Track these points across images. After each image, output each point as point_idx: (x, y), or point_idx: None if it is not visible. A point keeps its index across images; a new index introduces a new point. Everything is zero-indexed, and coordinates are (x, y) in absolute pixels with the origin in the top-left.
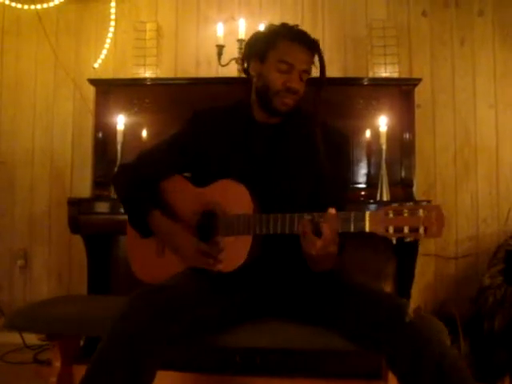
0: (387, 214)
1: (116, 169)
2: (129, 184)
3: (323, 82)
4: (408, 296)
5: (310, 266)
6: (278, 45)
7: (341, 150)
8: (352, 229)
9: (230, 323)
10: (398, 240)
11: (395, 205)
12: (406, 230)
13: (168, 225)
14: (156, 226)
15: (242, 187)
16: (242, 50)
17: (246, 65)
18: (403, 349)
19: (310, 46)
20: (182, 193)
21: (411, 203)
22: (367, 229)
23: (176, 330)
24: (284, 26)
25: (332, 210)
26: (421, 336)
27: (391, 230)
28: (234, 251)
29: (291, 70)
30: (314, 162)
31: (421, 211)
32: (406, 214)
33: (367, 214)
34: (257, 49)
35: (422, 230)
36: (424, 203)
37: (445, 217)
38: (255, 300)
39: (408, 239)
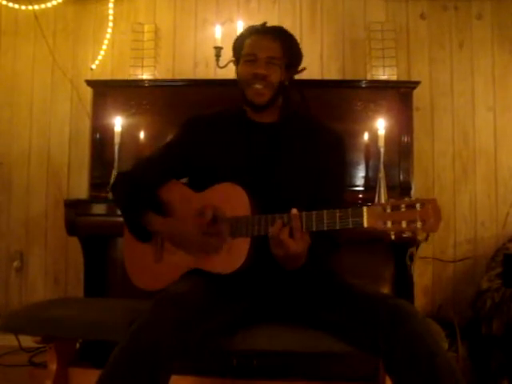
0: (385, 209)
1: (114, 177)
2: (126, 192)
3: (293, 66)
4: (411, 299)
5: (281, 265)
6: (244, 44)
7: (336, 150)
8: (350, 225)
9: (235, 329)
10: (396, 236)
11: (392, 200)
12: (403, 224)
13: (166, 221)
14: (154, 224)
15: (241, 190)
16: None
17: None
18: (399, 350)
19: (269, 33)
20: (181, 198)
21: (408, 198)
22: (365, 224)
23: (193, 339)
24: (249, 26)
25: (294, 211)
26: (417, 338)
27: (389, 224)
28: (233, 253)
29: (256, 59)
30: (311, 161)
31: (418, 205)
32: (403, 209)
33: (365, 209)
34: (234, 56)
35: (419, 224)
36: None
37: (441, 210)
38: (257, 304)
39: (406, 234)
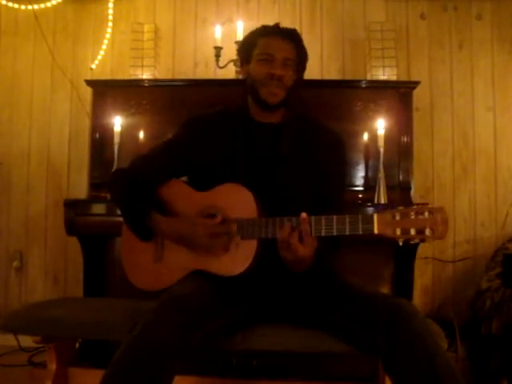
0: (394, 217)
1: (111, 174)
2: (125, 189)
3: (302, 69)
4: (410, 298)
5: (288, 267)
6: (258, 43)
7: (336, 150)
8: (360, 231)
9: (237, 330)
10: (404, 242)
11: (401, 207)
12: (412, 231)
13: (171, 220)
14: (158, 225)
15: (246, 191)
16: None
17: (241, 69)
18: (399, 350)
19: (286, 35)
20: (183, 197)
21: (416, 206)
22: (376, 231)
23: (195, 340)
24: (262, 26)
25: (303, 215)
26: (417, 338)
27: (398, 232)
28: (239, 255)
29: (272, 59)
30: (313, 162)
31: (426, 213)
32: (412, 216)
33: (375, 216)
34: (242, 53)
35: (428, 232)
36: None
37: (448, 219)
38: (260, 305)
39: (414, 241)
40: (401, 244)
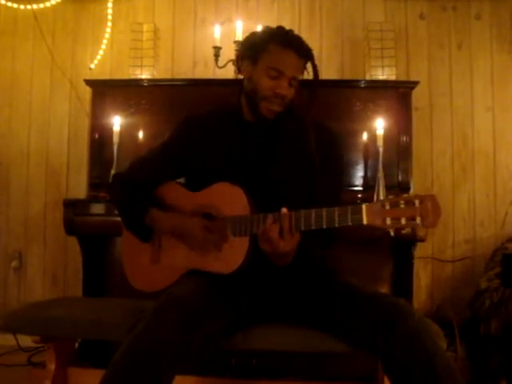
0: (384, 206)
1: (110, 178)
2: (124, 191)
3: (315, 87)
4: (409, 298)
5: (270, 260)
6: (270, 50)
7: (333, 148)
8: (350, 222)
9: (237, 330)
10: (395, 233)
11: (391, 196)
12: (403, 220)
13: (169, 215)
14: (156, 221)
15: (239, 189)
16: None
17: (239, 64)
18: (398, 349)
19: (302, 53)
20: (178, 198)
21: (407, 194)
22: (365, 221)
23: (196, 341)
24: (278, 30)
25: (283, 210)
26: (416, 338)
27: (388, 221)
28: (232, 252)
29: (281, 77)
30: (307, 161)
31: (417, 202)
32: (402, 205)
33: (364, 206)
34: (250, 51)
35: (418, 220)
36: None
37: (440, 206)
38: (258, 304)
39: (406, 230)
40: (392, 234)
